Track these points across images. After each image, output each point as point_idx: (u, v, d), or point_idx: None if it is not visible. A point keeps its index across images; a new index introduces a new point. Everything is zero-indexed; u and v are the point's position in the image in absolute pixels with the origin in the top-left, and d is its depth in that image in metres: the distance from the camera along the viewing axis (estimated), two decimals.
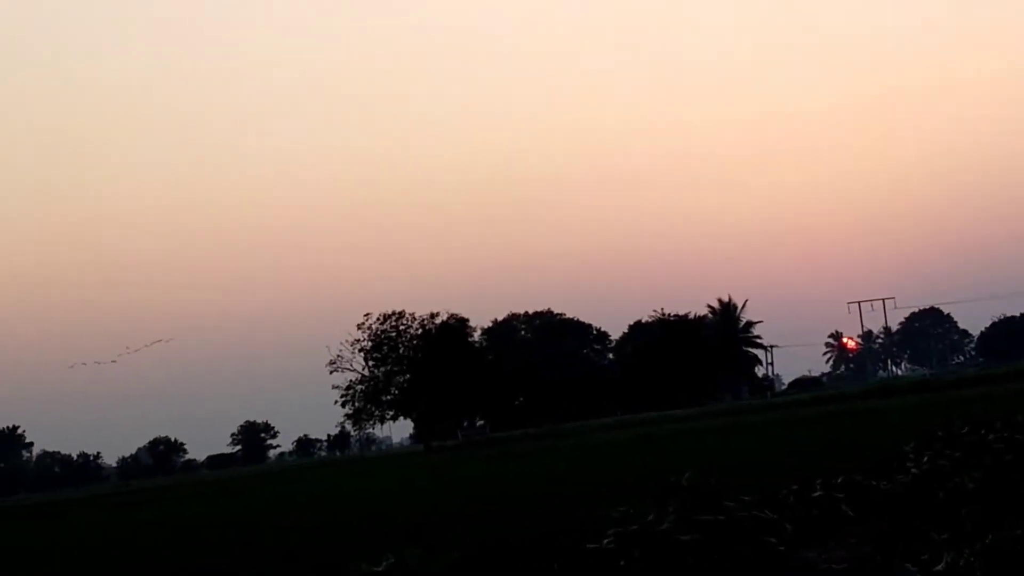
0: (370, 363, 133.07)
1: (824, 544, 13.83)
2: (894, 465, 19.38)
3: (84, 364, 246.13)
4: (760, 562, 12.85)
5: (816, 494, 15.87)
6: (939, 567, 7.98)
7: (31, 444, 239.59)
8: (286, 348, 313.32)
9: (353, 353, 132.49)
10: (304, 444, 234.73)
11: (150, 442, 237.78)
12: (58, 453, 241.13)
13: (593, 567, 12.29)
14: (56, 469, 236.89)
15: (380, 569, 10.89)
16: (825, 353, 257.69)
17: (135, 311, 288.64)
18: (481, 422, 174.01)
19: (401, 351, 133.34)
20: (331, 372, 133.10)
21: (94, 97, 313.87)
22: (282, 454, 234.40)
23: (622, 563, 12.56)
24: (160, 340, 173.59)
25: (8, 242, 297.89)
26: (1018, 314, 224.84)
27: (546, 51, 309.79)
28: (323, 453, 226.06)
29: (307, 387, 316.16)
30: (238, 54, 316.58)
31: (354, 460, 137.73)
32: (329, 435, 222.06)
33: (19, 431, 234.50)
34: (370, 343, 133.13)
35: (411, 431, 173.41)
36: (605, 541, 13.44)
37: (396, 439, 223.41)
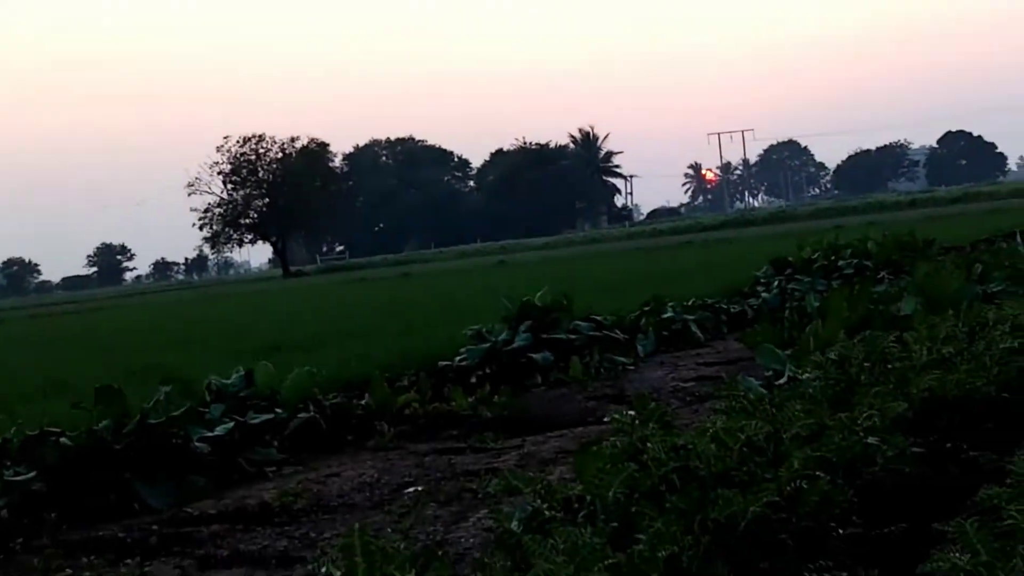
0: (228, 186, 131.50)
1: (674, 364, 14.06)
2: (746, 291, 19.69)
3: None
4: (609, 376, 13.04)
5: (667, 316, 16.07)
6: (782, 381, 8.13)
7: None
8: (144, 169, 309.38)
9: (211, 175, 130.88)
10: (161, 267, 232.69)
11: (3, 263, 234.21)
12: None
13: (445, 383, 12.38)
14: None
15: (229, 381, 10.86)
16: (684, 184, 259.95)
17: None
18: (340, 248, 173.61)
19: (260, 175, 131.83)
20: (189, 195, 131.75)
21: None
22: (139, 277, 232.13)
23: (473, 380, 12.67)
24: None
25: None
26: (873, 148, 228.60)
27: None
28: (180, 276, 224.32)
29: (165, 210, 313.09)
30: None
31: (212, 283, 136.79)
32: (187, 259, 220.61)
33: None
34: (229, 166, 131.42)
35: (269, 256, 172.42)
36: (458, 359, 13.53)
37: (255, 264, 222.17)
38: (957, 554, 3.12)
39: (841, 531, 4.65)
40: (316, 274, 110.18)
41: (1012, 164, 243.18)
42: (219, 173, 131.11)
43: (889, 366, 6.51)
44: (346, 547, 2.96)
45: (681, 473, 4.44)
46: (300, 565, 6.57)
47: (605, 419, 9.70)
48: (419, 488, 8.40)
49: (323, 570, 3.02)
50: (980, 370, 6.35)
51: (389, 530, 6.96)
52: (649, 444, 4.69)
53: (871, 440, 5.17)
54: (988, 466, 4.87)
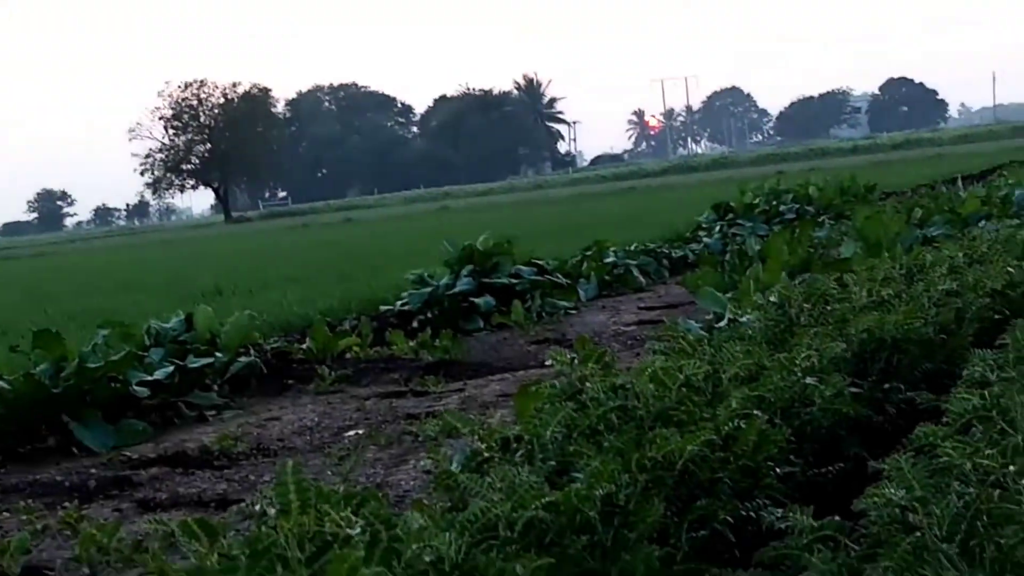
0: (170, 132, 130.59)
1: (615, 309, 14.08)
2: (688, 236, 19.74)
3: None
4: (550, 320, 13.06)
5: (609, 260, 16.10)
6: (722, 323, 8.15)
7: None
8: (85, 114, 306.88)
9: (153, 121, 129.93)
10: (102, 213, 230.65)
11: None
12: None
13: (387, 327, 12.36)
14: None
15: (169, 325, 10.79)
16: (627, 130, 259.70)
17: None
18: (283, 194, 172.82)
19: (202, 120, 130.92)
20: (130, 140, 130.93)
21: None
22: (80, 223, 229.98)
23: (415, 324, 12.66)
24: None
25: None
26: (815, 95, 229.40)
27: None
28: (122, 222, 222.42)
29: (106, 155, 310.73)
30: None
31: (153, 229, 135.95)
32: (128, 205, 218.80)
33: None
34: (170, 111, 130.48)
35: (212, 202, 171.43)
36: (399, 303, 13.52)
37: (196, 210, 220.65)
38: (892, 490, 3.14)
39: (778, 471, 4.67)
40: (258, 220, 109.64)
41: (953, 111, 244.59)
42: (160, 118, 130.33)
43: (828, 307, 6.54)
44: (280, 485, 2.95)
45: (619, 412, 4.44)
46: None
47: (547, 363, 9.68)
48: (359, 432, 8.38)
49: (257, 507, 3.01)
50: (918, 311, 6.38)
51: (329, 473, 6.95)
52: (588, 384, 4.69)
53: (809, 381, 5.19)
54: (925, 406, 4.90)
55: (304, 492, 2.95)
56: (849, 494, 3.80)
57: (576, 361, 5.01)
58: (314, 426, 8.79)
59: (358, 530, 2.99)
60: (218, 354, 10.43)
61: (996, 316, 7.38)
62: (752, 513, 4.08)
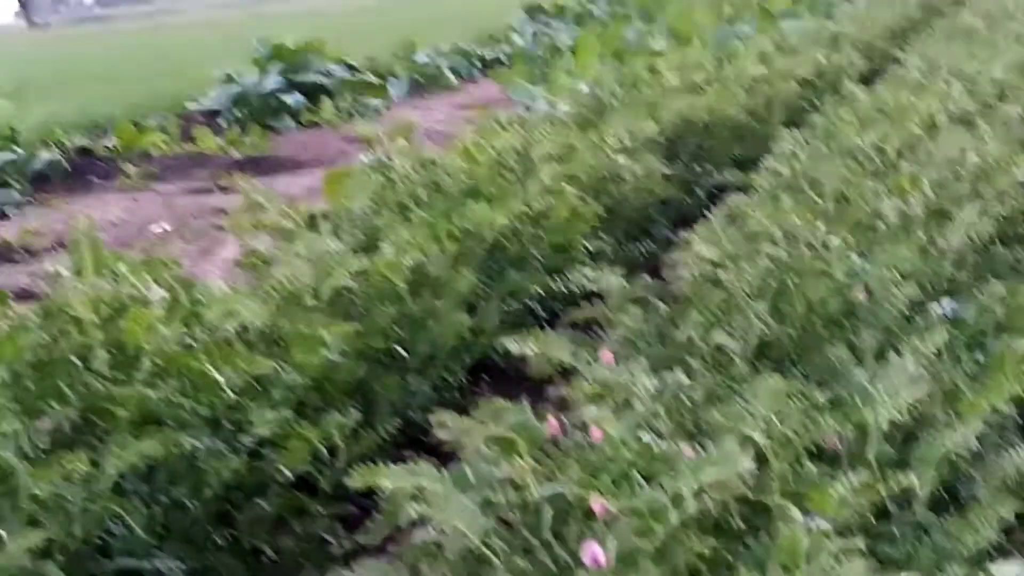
0: None
1: (428, 107, 13.97)
2: (499, 37, 19.59)
3: None
4: (361, 119, 12.90)
5: (421, 60, 15.94)
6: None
7: None
8: None
9: None
10: None
11: None
12: None
13: (195, 125, 12.10)
14: None
15: None
16: None
17: None
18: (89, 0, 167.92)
19: None
20: None
21: None
22: None
23: (223, 123, 12.41)
24: None
25: None
26: None
27: None
28: None
29: None
30: None
31: None
32: None
33: None
34: None
35: (15, 11, 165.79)
36: (207, 101, 13.27)
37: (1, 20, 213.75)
38: (704, 248, 3.11)
39: (589, 247, 4.66)
40: (63, 26, 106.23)
41: None
42: None
43: (640, 92, 6.50)
44: (73, 243, 2.83)
45: (429, 187, 4.37)
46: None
47: (359, 159, 9.55)
48: (165, 227, 8.20)
49: (50, 268, 2.88)
50: (729, 97, 6.38)
51: None
52: (397, 160, 4.60)
53: (621, 160, 5.16)
54: (735, 184, 4.90)
55: (99, 252, 2.83)
56: (660, 273, 3.79)
57: (382, 135, 4.89)
58: (120, 223, 8.58)
59: (157, 294, 2.89)
60: (18, 150, 10.10)
61: (804, 104, 7.43)
62: (564, 287, 4.05)
